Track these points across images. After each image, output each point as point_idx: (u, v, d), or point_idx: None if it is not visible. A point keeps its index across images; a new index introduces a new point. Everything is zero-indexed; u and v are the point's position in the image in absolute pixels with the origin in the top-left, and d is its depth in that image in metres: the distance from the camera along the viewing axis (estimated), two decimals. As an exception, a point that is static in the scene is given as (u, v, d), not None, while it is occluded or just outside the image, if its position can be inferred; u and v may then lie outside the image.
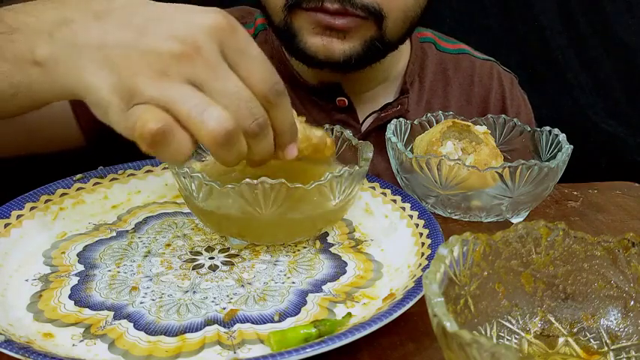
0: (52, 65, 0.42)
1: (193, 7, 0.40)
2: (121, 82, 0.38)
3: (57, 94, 0.44)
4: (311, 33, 0.64)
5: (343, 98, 0.75)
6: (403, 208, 0.53)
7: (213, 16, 0.39)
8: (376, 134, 0.76)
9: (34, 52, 0.42)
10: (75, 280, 0.46)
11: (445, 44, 0.86)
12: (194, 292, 0.44)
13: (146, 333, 0.40)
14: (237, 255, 0.49)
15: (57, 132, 0.70)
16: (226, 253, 0.50)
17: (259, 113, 0.40)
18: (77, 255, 0.49)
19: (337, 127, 0.56)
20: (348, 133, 0.55)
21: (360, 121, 0.77)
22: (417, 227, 0.50)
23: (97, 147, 0.72)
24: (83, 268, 0.47)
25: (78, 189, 0.55)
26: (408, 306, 0.39)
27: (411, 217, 0.52)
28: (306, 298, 0.44)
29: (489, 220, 0.57)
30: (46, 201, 0.53)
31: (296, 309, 0.43)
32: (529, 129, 0.62)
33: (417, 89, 0.81)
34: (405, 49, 0.80)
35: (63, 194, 0.54)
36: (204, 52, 0.38)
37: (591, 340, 0.37)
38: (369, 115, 0.78)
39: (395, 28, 0.66)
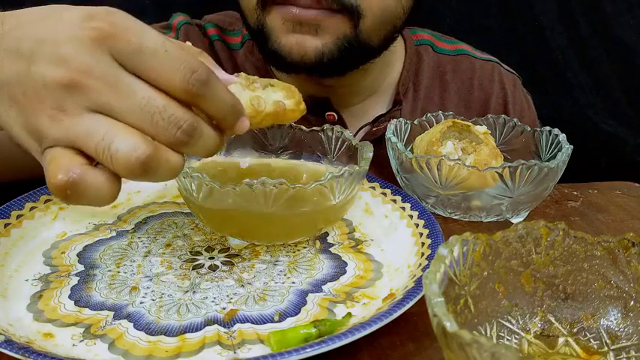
0: None
1: (77, 14, 0.34)
2: (27, 122, 0.35)
3: None
4: (284, 31, 0.62)
5: (332, 113, 0.73)
6: (403, 208, 0.53)
7: (93, 24, 0.33)
8: None
9: None
10: (75, 280, 0.46)
11: (443, 45, 0.82)
12: (194, 292, 0.44)
13: (146, 333, 0.40)
14: (237, 255, 0.49)
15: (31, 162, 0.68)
16: (226, 253, 0.50)
17: (182, 117, 0.34)
18: (77, 255, 0.49)
19: (337, 128, 0.56)
20: (347, 133, 0.55)
21: (353, 135, 0.74)
22: (417, 227, 0.50)
23: None
24: (83, 268, 0.47)
25: (78, 189, 0.55)
26: (408, 306, 0.39)
27: (411, 217, 0.52)
28: (306, 298, 0.44)
29: (489, 220, 0.57)
30: (46, 201, 0.53)
31: (296, 309, 0.43)
32: (529, 129, 0.62)
33: (411, 98, 0.77)
34: (398, 56, 0.77)
35: (63, 194, 0.54)
36: (94, 71, 0.33)
37: (591, 340, 0.37)
38: (361, 128, 0.75)
39: (372, 29, 0.63)
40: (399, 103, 0.75)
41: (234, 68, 0.76)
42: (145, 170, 0.33)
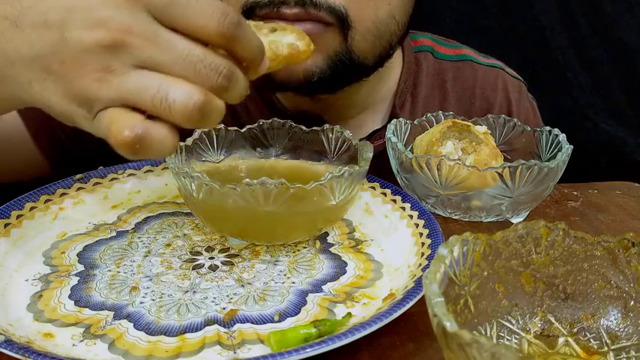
0: None
1: None
2: (70, 90, 0.36)
3: (10, 107, 0.42)
4: None
5: None
6: (403, 208, 0.53)
7: None
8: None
9: None
10: (75, 280, 0.46)
11: (444, 50, 0.78)
12: (194, 292, 0.44)
13: (146, 333, 0.40)
14: (237, 255, 0.49)
15: (17, 161, 0.67)
16: (226, 253, 0.50)
17: (221, 64, 0.36)
18: (77, 255, 0.49)
19: (337, 127, 0.56)
20: (347, 133, 0.55)
21: None
22: (417, 227, 0.50)
23: (63, 170, 0.64)
24: (83, 268, 0.47)
25: (78, 189, 0.55)
26: (408, 306, 0.39)
27: (411, 217, 0.52)
28: (306, 298, 0.44)
29: (489, 220, 0.57)
30: (46, 201, 0.53)
31: (296, 309, 0.43)
32: (529, 129, 0.62)
33: (408, 110, 0.73)
34: (396, 65, 0.73)
35: (63, 194, 0.54)
36: (134, 29, 0.34)
37: (591, 340, 0.37)
38: None
39: (364, 44, 0.58)
40: (396, 117, 0.69)
41: None
42: (202, 116, 0.35)
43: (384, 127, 0.69)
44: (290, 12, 0.54)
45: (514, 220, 0.57)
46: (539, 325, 0.38)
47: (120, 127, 0.34)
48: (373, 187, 0.57)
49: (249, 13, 0.56)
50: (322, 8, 0.54)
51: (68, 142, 0.69)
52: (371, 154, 0.50)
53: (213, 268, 0.48)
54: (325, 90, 0.61)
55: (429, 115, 0.63)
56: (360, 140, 0.69)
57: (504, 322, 0.38)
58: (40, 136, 0.67)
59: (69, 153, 0.69)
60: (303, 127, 0.57)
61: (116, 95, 0.35)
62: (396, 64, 0.73)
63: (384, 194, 0.56)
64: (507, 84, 0.78)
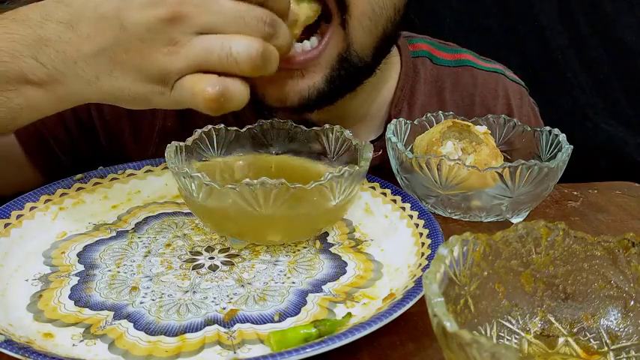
0: (55, 85, 0.42)
1: None
2: (142, 72, 0.39)
3: (66, 106, 0.45)
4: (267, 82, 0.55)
5: None
6: (403, 208, 0.53)
7: None
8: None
9: (27, 76, 0.42)
10: (75, 280, 0.46)
11: (443, 54, 0.75)
12: (194, 292, 0.44)
13: (146, 333, 0.40)
14: (237, 255, 0.49)
15: (10, 174, 0.68)
16: (226, 253, 0.50)
17: (263, 14, 0.41)
18: (77, 255, 0.49)
19: (337, 127, 0.56)
20: (347, 133, 0.55)
21: None
22: (417, 227, 0.50)
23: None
24: (83, 268, 0.47)
25: (78, 189, 0.55)
26: (408, 306, 0.39)
27: (411, 217, 0.52)
28: (306, 298, 0.44)
29: (489, 220, 0.57)
30: (46, 201, 0.53)
31: (296, 309, 0.43)
32: (529, 129, 0.62)
33: (405, 119, 0.69)
34: (393, 72, 0.71)
35: (63, 194, 0.54)
36: (187, 0, 0.39)
37: (591, 340, 0.37)
38: None
39: (361, 31, 0.56)
40: None
41: None
42: (264, 62, 0.40)
43: (379, 139, 0.67)
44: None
45: (514, 220, 0.57)
46: (539, 325, 0.38)
47: (202, 87, 0.39)
48: (373, 187, 0.57)
49: None
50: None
51: (64, 156, 0.70)
52: (371, 154, 0.50)
53: (213, 268, 0.48)
54: (324, 104, 0.59)
55: (428, 115, 0.63)
56: None
57: (504, 322, 0.38)
58: (35, 153, 0.68)
59: (64, 167, 0.70)
60: (303, 127, 0.57)
61: (188, 63, 0.39)
62: (393, 71, 0.71)
63: (384, 194, 0.56)
64: (508, 90, 0.75)
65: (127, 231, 0.53)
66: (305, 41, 0.54)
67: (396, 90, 0.71)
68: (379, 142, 0.66)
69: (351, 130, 0.60)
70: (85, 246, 0.50)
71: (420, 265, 0.45)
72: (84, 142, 0.71)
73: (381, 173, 0.59)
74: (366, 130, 0.70)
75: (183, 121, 0.70)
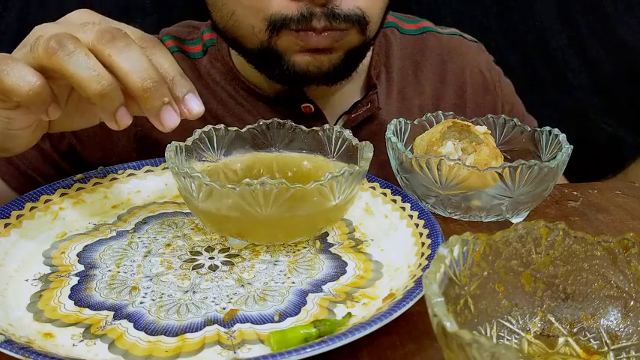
0: None
1: None
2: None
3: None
4: (296, 52, 0.62)
5: (308, 104, 0.72)
6: (403, 208, 0.53)
7: None
8: None
9: None
10: (75, 280, 0.46)
11: (407, 25, 0.83)
12: (194, 292, 0.44)
13: (146, 333, 0.40)
14: (237, 255, 0.49)
15: None
16: (226, 253, 0.50)
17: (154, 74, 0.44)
18: (77, 255, 0.49)
19: (337, 127, 0.56)
20: (347, 132, 0.55)
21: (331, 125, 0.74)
22: (417, 227, 0.50)
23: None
24: (83, 268, 0.47)
25: (78, 189, 0.55)
26: (408, 306, 0.39)
27: (411, 217, 0.52)
28: (306, 298, 0.44)
29: (489, 220, 0.57)
30: (46, 201, 0.53)
31: (296, 309, 0.43)
32: (529, 129, 0.62)
33: (384, 81, 0.78)
34: None
35: (63, 194, 0.54)
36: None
37: (591, 340, 0.37)
38: (340, 117, 0.75)
39: (374, 27, 0.65)
40: (374, 87, 0.75)
41: (197, 77, 0.76)
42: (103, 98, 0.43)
43: (365, 98, 0.75)
44: (319, 25, 0.59)
45: (514, 220, 0.57)
46: (539, 325, 0.38)
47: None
48: (373, 187, 0.57)
49: (280, 27, 0.60)
50: (342, 20, 0.60)
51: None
52: (371, 154, 0.50)
53: (213, 268, 0.48)
54: (339, 78, 0.67)
55: (428, 115, 0.63)
56: (344, 114, 0.75)
57: (504, 322, 0.38)
58: (26, 191, 0.71)
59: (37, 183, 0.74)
60: (303, 127, 0.57)
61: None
62: None
63: (384, 194, 0.56)
64: (470, 47, 0.85)
65: (127, 231, 0.53)
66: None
67: (373, 55, 0.77)
68: (365, 100, 0.74)
69: (340, 92, 0.71)
70: (85, 246, 0.50)
71: (420, 265, 0.45)
72: (71, 168, 0.74)
73: (371, 123, 0.74)
74: (352, 89, 0.76)
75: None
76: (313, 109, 0.73)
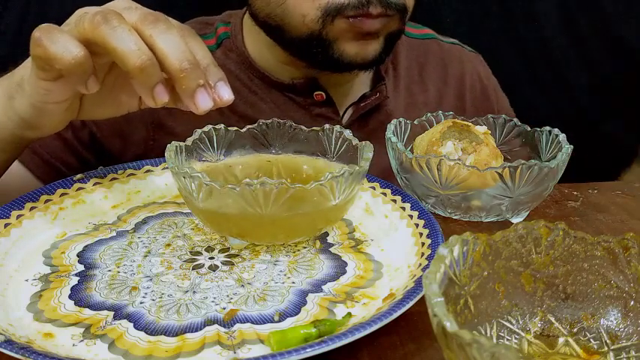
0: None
1: None
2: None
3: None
4: (347, 39, 0.65)
5: (321, 92, 0.74)
6: (403, 208, 0.53)
7: None
8: (358, 125, 0.76)
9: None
10: (75, 280, 0.46)
11: (412, 30, 0.87)
12: (194, 292, 0.44)
13: (146, 333, 0.40)
14: (237, 255, 0.49)
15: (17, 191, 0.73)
16: (226, 253, 0.50)
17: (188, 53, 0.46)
18: (77, 255, 0.49)
19: (337, 128, 0.56)
20: (347, 133, 0.55)
21: (340, 114, 0.77)
22: (417, 227, 0.50)
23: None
24: (83, 268, 0.47)
25: (78, 189, 0.55)
26: (408, 306, 0.39)
27: (411, 217, 0.52)
28: (306, 298, 0.44)
29: (489, 220, 0.57)
30: (46, 201, 0.53)
31: (296, 309, 0.43)
32: (529, 129, 0.62)
33: (392, 76, 0.81)
34: None
35: (63, 194, 0.54)
36: None
37: (591, 340, 0.37)
38: (349, 106, 0.77)
39: (407, 18, 0.68)
40: (383, 80, 0.78)
41: None
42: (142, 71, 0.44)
43: (373, 89, 0.78)
44: (375, 11, 0.63)
45: (514, 220, 0.57)
46: (539, 325, 0.38)
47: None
48: (373, 187, 0.57)
49: (335, 15, 0.62)
50: (393, 7, 0.64)
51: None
52: (371, 154, 0.50)
53: (213, 268, 0.48)
54: (375, 65, 0.71)
55: (428, 115, 0.63)
56: (351, 105, 0.77)
57: (504, 322, 0.38)
58: (51, 180, 0.72)
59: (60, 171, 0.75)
60: (303, 127, 0.57)
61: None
62: None
63: (384, 194, 0.56)
64: (470, 57, 0.88)
65: (127, 231, 0.53)
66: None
67: None
68: (374, 91, 0.77)
69: (352, 81, 0.77)
70: (85, 246, 0.50)
71: (420, 265, 0.45)
72: (93, 157, 0.76)
73: (378, 113, 0.76)
74: (362, 80, 0.79)
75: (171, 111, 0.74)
76: (325, 96, 0.75)
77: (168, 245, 0.51)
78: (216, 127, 0.56)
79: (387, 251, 0.50)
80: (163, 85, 0.45)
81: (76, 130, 0.74)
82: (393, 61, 0.82)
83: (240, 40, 0.77)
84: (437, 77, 0.84)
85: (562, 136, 0.58)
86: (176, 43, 0.44)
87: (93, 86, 0.46)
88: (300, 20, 0.65)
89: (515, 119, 0.63)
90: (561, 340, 0.38)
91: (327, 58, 0.66)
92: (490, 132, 0.59)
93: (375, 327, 0.37)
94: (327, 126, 0.56)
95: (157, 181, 0.60)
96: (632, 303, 0.37)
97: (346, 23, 0.63)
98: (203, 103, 0.46)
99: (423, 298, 0.35)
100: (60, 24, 0.46)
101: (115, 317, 0.41)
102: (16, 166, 0.70)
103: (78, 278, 0.46)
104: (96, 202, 0.56)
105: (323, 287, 0.46)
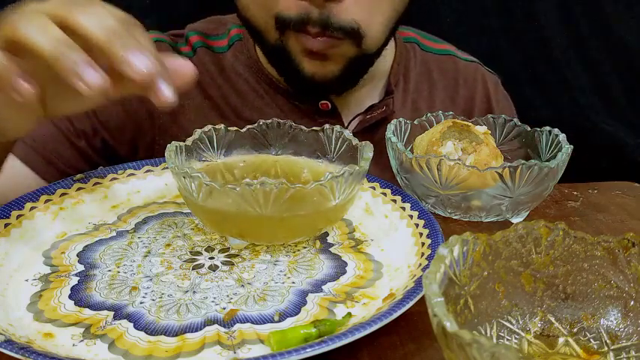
0: None
1: None
2: None
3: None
4: (304, 55, 0.65)
5: (326, 102, 0.74)
6: (403, 208, 0.53)
7: None
8: (362, 137, 0.73)
9: None
10: (75, 280, 0.46)
11: (429, 43, 0.85)
12: (194, 292, 0.44)
13: (146, 333, 0.40)
14: (237, 255, 0.49)
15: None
16: (226, 253, 0.50)
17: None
18: (77, 255, 0.49)
19: (337, 128, 0.56)
20: (347, 133, 0.55)
21: (345, 124, 0.76)
22: (417, 227, 0.50)
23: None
24: (83, 268, 0.47)
25: (78, 189, 0.55)
26: (408, 306, 0.39)
27: (411, 217, 0.52)
28: (306, 298, 0.44)
29: (489, 220, 0.57)
30: (46, 201, 0.53)
31: (296, 309, 0.43)
32: (529, 129, 0.62)
33: (401, 90, 0.80)
34: (389, 49, 0.79)
35: (63, 194, 0.54)
36: None
37: (591, 340, 0.37)
38: (355, 117, 0.77)
39: (374, 42, 0.66)
40: (391, 93, 0.77)
41: (220, 70, 0.77)
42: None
43: (381, 101, 0.77)
44: (313, 30, 0.62)
45: (514, 220, 0.57)
46: (539, 325, 0.38)
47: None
48: (373, 187, 0.57)
49: (284, 27, 0.63)
50: (335, 29, 0.62)
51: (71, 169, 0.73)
52: (371, 154, 0.50)
53: (213, 268, 0.48)
54: (342, 89, 0.72)
55: (429, 115, 0.63)
56: (358, 115, 0.76)
57: (504, 322, 0.38)
58: (50, 175, 0.72)
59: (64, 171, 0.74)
60: (303, 127, 0.57)
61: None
62: (389, 49, 0.79)
63: (384, 194, 0.56)
64: (486, 77, 0.85)
65: (127, 231, 0.53)
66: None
67: (394, 63, 0.80)
68: (381, 104, 0.77)
69: (359, 92, 0.76)
70: (85, 246, 0.50)
71: (420, 265, 0.45)
72: (107, 164, 0.75)
73: (384, 128, 0.68)
74: (370, 92, 0.78)
75: (176, 118, 0.75)
76: (330, 106, 0.75)
77: (169, 245, 0.51)
78: (216, 127, 0.56)
79: (387, 251, 0.50)
80: (93, 68, 0.40)
81: (89, 138, 0.73)
82: (405, 75, 0.81)
83: (251, 43, 0.76)
84: (446, 96, 0.82)
85: (562, 136, 0.58)
86: (97, 15, 0.40)
87: (26, 91, 0.40)
88: (265, 27, 0.65)
89: (515, 119, 0.63)
90: (561, 340, 0.38)
91: (292, 70, 0.67)
92: (490, 132, 0.59)
93: (375, 327, 0.37)
94: (327, 126, 0.56)
95: (157, 181, 0.60)
96: (632, 303, 0.37)
97: (294, 36, 0.63)
98: (140, 63, 0.40)
99: (423, 298, 0.35)
100: None
101: (115, 317, 0.41)
102: (33, 178, 0.70)
103: (78, 278, 0.46)
104: (96, 202, 0.56)
105: (323, 287, 0.46)
